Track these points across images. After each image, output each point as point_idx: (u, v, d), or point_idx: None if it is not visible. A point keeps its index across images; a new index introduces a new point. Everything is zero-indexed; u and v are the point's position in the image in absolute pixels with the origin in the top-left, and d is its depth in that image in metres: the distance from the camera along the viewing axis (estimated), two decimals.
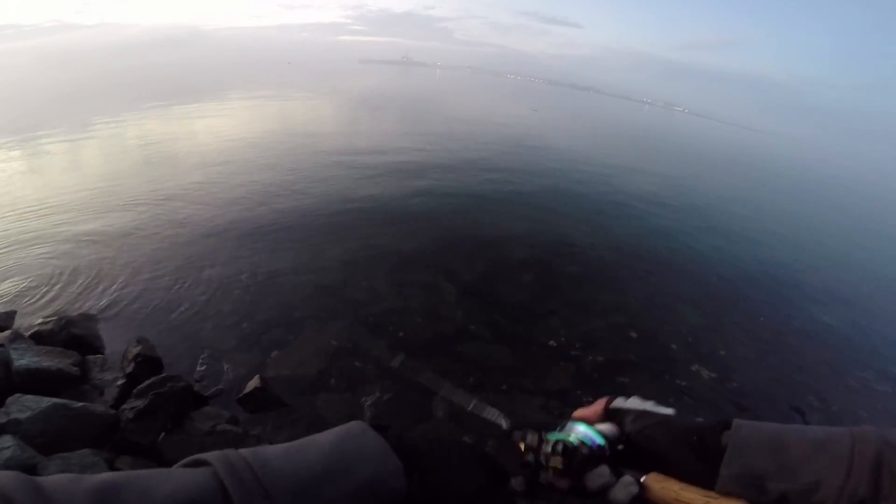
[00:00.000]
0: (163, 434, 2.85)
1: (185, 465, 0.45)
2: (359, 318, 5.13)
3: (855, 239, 14.09)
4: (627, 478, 0.61)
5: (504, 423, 0.70)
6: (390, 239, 7.14)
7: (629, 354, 5.18)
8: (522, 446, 0.67)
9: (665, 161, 22.65)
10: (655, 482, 0.60)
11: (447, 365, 4.54)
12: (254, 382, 3.77)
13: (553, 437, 0.65)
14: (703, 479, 0.57)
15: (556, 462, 0.62)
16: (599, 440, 0.64)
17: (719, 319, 6.31)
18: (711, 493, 0.56)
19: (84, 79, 36.27)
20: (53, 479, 0.37)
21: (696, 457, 0.59)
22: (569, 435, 0.64)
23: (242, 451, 0.46)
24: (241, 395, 3.69)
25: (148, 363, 3.72)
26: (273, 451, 0.48)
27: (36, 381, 3.04)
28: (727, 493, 0.55)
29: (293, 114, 21.54)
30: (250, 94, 28.24)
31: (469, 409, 0.74)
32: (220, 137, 13.95)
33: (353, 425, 0.55)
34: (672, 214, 11.34)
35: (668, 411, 0.67)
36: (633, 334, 5.56)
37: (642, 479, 0.61)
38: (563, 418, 0.70)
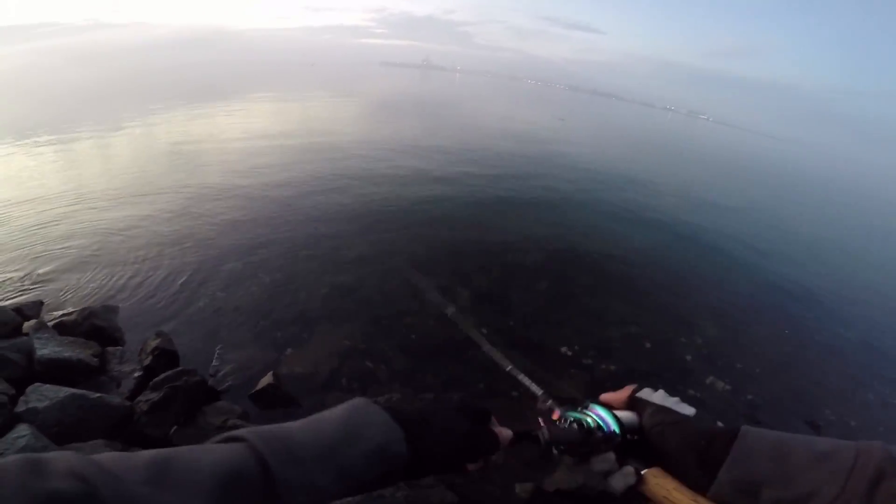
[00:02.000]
0: (175, 427, 2.90)
1: (221, 441, 0.49)
2: (372, 320, 5.15)
3: (882, 253, 13.70)
4: (628, 468, 0.64)
5: (537, 391, 0.76)
6: (406, 242, 7.17)
7: (643, 364, 5.10)
8: (554, 415, 0.71)
9: (688, 170, 22.32)
10: (653, 477, 0.62)
11: (459, 368, 4.53)
12: (267, 379, 3.81)
13: (572, 415, 0.68)
14: (700, 483, 0.58)
15: (568, 439, 0.65)
16: (615, 426, 0.65)
17: (737, 332, 6.18)
18: (701, 498, 0.57)
19: (117, 77, 37.31)
20: (107, 457, 0.40)
21: (698, 462, 0.59)
22: (587, 416, 0.67)
23: (267, 427, 0.52)
24: (253, 391, 3.73)
25: (165, 356, 3.80)
26: (295, 425, 0.54)
27: (56, 371, 3.13)
28: (717, 500, 0.56)
29: (315, 115, 21.80)
30: (275, 95, 28.73)
31: (507, 370, 0.81)
32: (244, 137, 14.20)
33: (357, 401, 0.62)
34: (693, 225, 11.14)
35: (689, 411, 0.68)
36: (648, 344, 5.47)
37: (643, 472, 0.63)
38: (589, 398, 0.72)
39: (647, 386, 0.74)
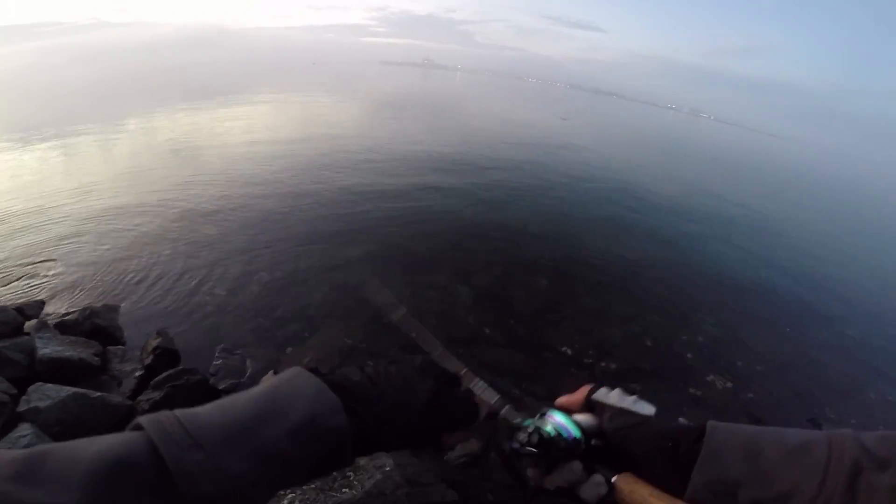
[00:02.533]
0: None
1: (128, 430, 0.45)
2: (374, 318, 5.14)
3: (884, 251, 13.69)
4: (598, 477, 0.60)
5: (492, 397, 0.68)
6: (407, 240, 7.18)
7: (643, 363, 5.10)
8: (513, 423, 0.65)
9: (689, 169, 22.29)
10: (626, 484, 0.59)
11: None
12: (268, 377, 3.81)
13: (530, 423, 0.63)
14: (675, 485, 0.56)
15: (530, 450, 0.61)
16: (576, 433, 0.61)
17: (738, 331, 6.16)
18: (678, 502, 0.55)
19: (120, 77, 37.34)
20: None
21: (669, 464, 0.57)
22: (546, 424, 0.62)
23: (176, 411, 0.45)
24: None
25: (166, 355, 3.81)
26: (205, 407, 0.47)
27: (58, 370, 3.14)
28: (696, 502, 0.53)
29: (317, 114, 21.77)
30: (277, 94, 28.69)
31: (461, 374, 0.70)
32: (246, 136, 14.21)
33: (286, 372, 0.54)
34: (694, 224, 11.13)
35: (649, 410, 0.65)
36: (649, 343, 5.47)
37: (613, 480, 0.60)
38: (544, 402, 0.68)
39: (605, 385, 0.69)
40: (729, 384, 4.96)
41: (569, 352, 5.06)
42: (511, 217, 9.01)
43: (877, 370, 5.98)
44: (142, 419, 0.44)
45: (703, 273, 8.00)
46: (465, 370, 0.71)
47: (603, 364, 4.92)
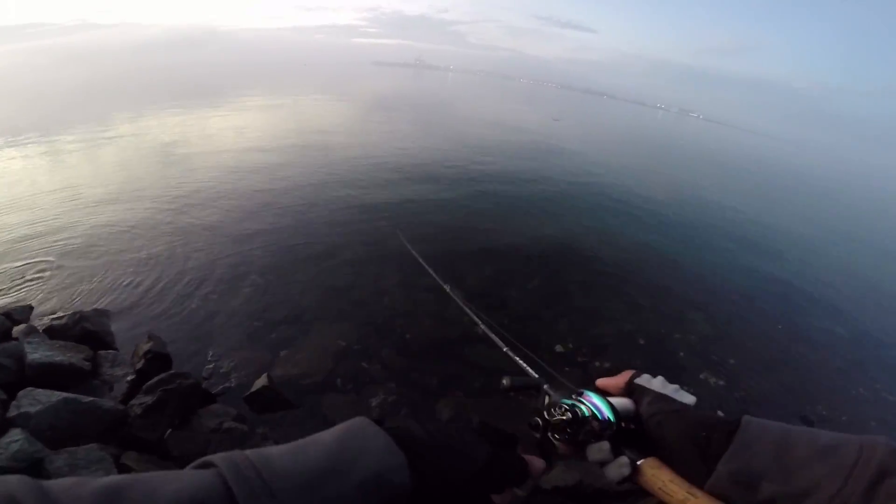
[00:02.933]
0: (169, 430, 2.89)
1: (194, 468, 0.45)
2: (367, 320, 5.16)
3: (872, 248, 13.88)
4: (623, 458, 0.61)
5: (533, 376, 0.73)
6: (399, 242, 7.17)
7: (637, 361, 5.14)
8: (546, 400, 0.68)
9: (679, 168, 22.47)
10: (649, 468, 0.60)
11: (454, 367, 4.54)
12: (261, 381, 3.80)
13: (566, 402, 0.65)
14: (699, 475, 0.56)
15: (561, 428, 0.63)
16: (609, 414, 0.63)
17: (730, 328, 6.25)
18: (696, 490, 0.55)
19: (106, 78, 36.97)
20: (59, 483, 0.37)
21: (698, 453, 0.58)
22: (582, 404, 0.64)
23: (248, 451, 0.46)
24: (248, 393, 3.72)
25: (158, 360, 3.78)
26: (277, 451, 0.48)
27: (48, 375, 3.11)
28: (714, 493, 0.54)
29: (308, 116, 21.67)
30: (268, 96, 28.50)
31: (504, 351, 0.80)
32: (237, 139, 14.13)
33: (356, 421, 0.55)
34: (684, 223, 11.25)
35: (690, 399, 0.66)
36: (641, 341, 5.52)
37: (639, 463, 0.60)
38: (585, 385, 0.69)
39: (646, 372, 0.70)
40: (721, 381, 5.02)
41: (562, 350, 5.10)
42: (502, 217, 9.06)
43: (866, 366, 6.08)
44: (215, 458, 0.44)
45: (695, 272, 8.09)
46: (506, 347, 0.79)
47: (597, 363, 4.95)
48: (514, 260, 7.14)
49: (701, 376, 5.04)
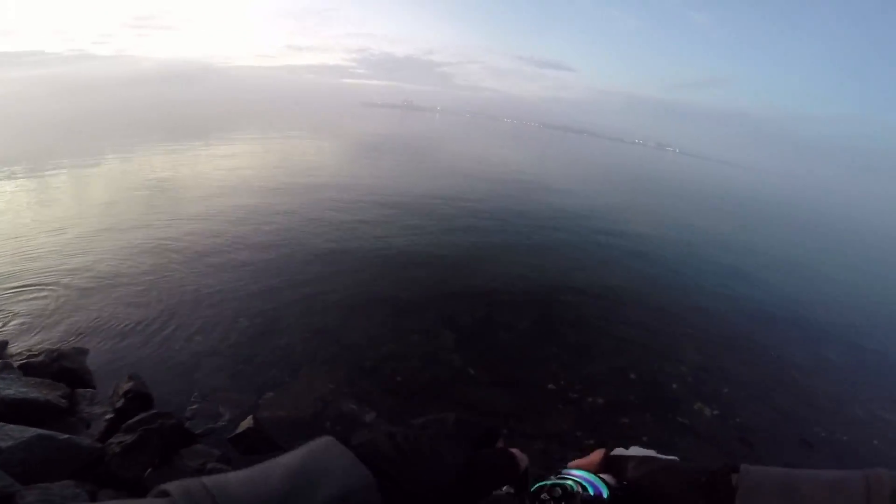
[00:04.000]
0: (150, 469, 2.76)
1: (151, 496, 0.43)
2: (356, 362, 5.05)
3: (856, 272, 14.24)
4: None
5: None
6: (388, 283, 7.12)
7: (629, 396, 5.10)
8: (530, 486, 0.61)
9: (660, 202, 22.99)
10: None
11: (445, 409, 4.43)
12: (247, 423, 3.68)
13: (549, 482, 0.61)
14: None
15: None
16: (600, 484, 0.60)
17: (720, 358, 6.26)
18: None
19: (100, 111, 37.25)
20: None
21: (706, 500, 0.55)
22: (566, 479, 0.60)
23: (204, 478, 0.42)
24: (233, 434, 3.59)
25: (138, 399, 3.65)
26: (235, 477, 0.44)
27: (22, 412, 2.97)
28: None
29: (299, 156, 21.73)
30: (260, 135, 28.79)
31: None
32: (226, 178, 14.10)
33: (319, 442, 0.50)
34: (668, 255, 11.42)
35: (672, 458, 0.64)
36: (633, 375, 5.49)
37: None
38: (558, 466, 0.66)
39: (619, 445, 0.69)
40: (717, 411, 4.98)
41: (554, 388, 5.04)
42: (490, 260, 9.04)
43: (859, 387, 6.12)
44: (170, 486, 0.41)
45: (682, 303, 8.16)
46: None
47: (590, 399, 4.89)
48: (505, 300, 7.12)
49: (695, 407, 5.00)
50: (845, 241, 22.30)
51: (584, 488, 0.59)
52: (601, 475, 0.62)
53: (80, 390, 3.65)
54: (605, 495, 0.59)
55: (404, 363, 5.14)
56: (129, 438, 2.78)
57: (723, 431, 4.70)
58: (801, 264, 13.79)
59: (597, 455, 0.67)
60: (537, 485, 0.61)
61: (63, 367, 3.90)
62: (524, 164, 30.70)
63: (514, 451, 0.59)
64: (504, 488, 0.59)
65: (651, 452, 0.65)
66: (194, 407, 3.98)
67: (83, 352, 4.46)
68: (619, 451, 0.67)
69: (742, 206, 30.34)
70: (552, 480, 0.61)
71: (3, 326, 4.82)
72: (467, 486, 0.54)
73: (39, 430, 2.60)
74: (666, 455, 0.64)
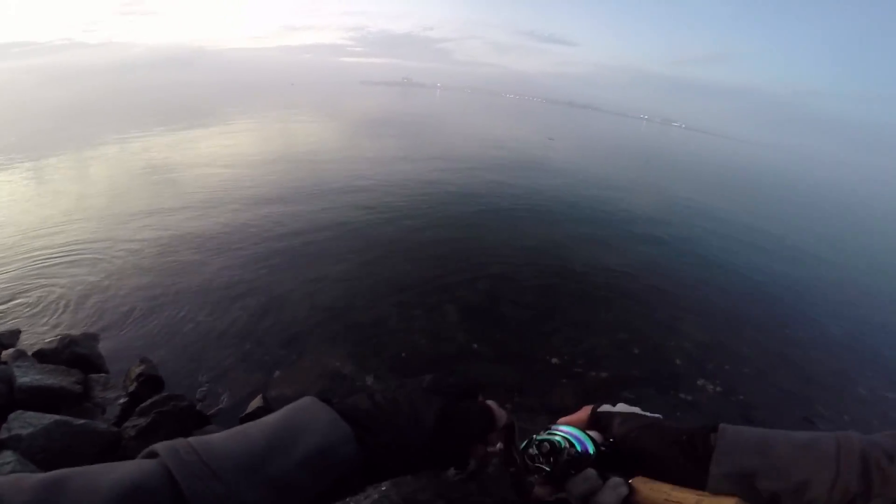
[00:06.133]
0: None
1: (142, 457, 0.45)
2: (361, 339, 5.12)
3: (861, 249, 14.18)
4: (616, 479, 0.58)
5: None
6: (392, 260, 7.14)
7: (633, 370, 5.15)
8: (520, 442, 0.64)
9: (667, 179, 22.81)
10: (643, 484, 0.58)
11: None
12: (256, 402, 3.76)
13: (538, 437, 0.63)
14: (694, 479, 0.56)
15: (542, 462, 0.60)
16: (587, 441, 0.61)
17: (724, 335, 6.29)
18: (703, 493, 0.55)
19: (92, 98, 36.88)
20: (1, 478, 0.37)
21: (685, 457, 0.58)
22: (554, 435, 0.62)
23: (190, 438, 0.46)
24: (244, 414, 3.67)
25: (150, 382, 3.73)
26: (219, 436, 0.47)
27: (38, 399, 3.05)
28: (719, 492, 0.54)
29: (297, 136, 21.68)
30: (256, 116, 28.55)
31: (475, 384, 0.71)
32: (226, 159, 14.07)
33: (301, 401, 0.54)
34: (674, 232, 11.36)
35: (656, 416, 0.66)
36: (636, 350, 5.53)
37: (630, 482, 0.59)
38: (547, 424, 0.67)
39: (606, 402, 0.70)
40: (719, 388, 5.03)
41: (558, 362, 5.09)
42: (495, 234, 9.07)
43: (863, 365, 6.13)
44: (157, 446, 0.44)
45: (686, 279, 8.17)
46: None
47: (593, 373, 4.95)
48: (508, 275, 7.14)
49: (699, 383, 5.05)
50: (854, 218, 22.10)
51: (572, 444, 0.60)
52: (589, 431, 0.64)
53: (94, 375, 3.72)
54: (591, 452, 0.60)
55: (409, 340, 5.20)
56: (143, 422, 2.86)
57: (725, 408, 4.74)
58: (805, 241, 13.68)
59: (584, 412, 0.69)
60: (532, 437, 0.63)
61: (76, 353, 3.97)
62: (527, 139, 30.36)
63: (491, 403, 0.61)
64: (498, 445, 0.61)
65: (636, 409, 0.67)
66: (204, 388, 4.07)
67: (94, 337, 4.53)
68: (606, 407, 0.69)
69: (748, 182, 30.08)
70: (541, 436, 0.63)
71: (12, 316, 4.89)
72: (442, 437, 0.56)
73: (57, 417, 2.68)
74: (651, 413, 0.67)
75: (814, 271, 10.28)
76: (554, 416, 0.70)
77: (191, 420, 3.23)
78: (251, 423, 0.50)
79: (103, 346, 4.45)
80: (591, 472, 0.59)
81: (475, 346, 5.22)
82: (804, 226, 16.35)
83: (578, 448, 0.60)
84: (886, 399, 5.42)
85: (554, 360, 5.11)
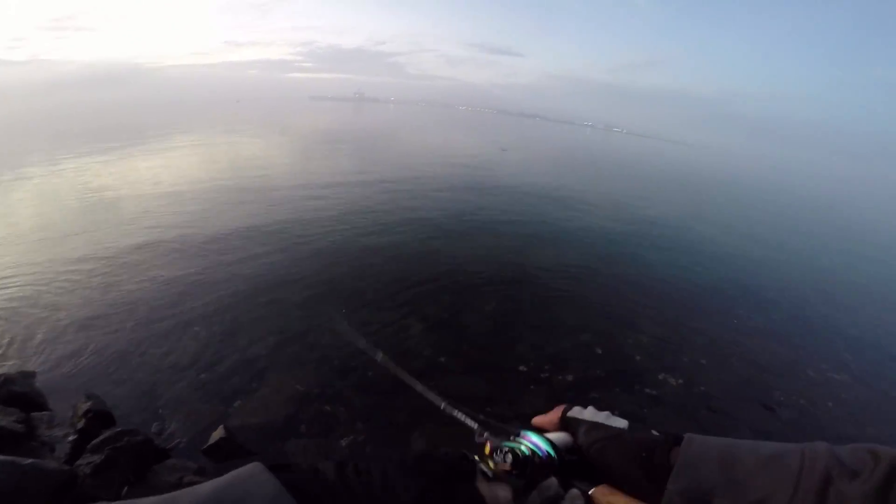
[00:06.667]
0: (126, 487, 2.66)
1: None
2: (324, 362, 4.97)
3: (794, 237, 15.33)
4: (574, 491, 0.61)
5: (472, 425, 0.69)
6: (350, 279, 6.98)
7: (597, 370, 5.30)
8: (487, 448, 0.65)
9: (612, 181, 23.78)
10: (602, 495, 0.60)
11: (421, 398, 4.45)
12: (218, 433, 3.61)
13: (506, 444, 0.64)
14: (650, 495, 0.57)
15: (505, 467, 0.61)
16: (549, 450, 0.63)
17: (678, 328, 6.60)
18: None
19: (17, 119, 34.39)
20: None
21: (643, 473, 0.58)
22: (520, 444, 0.63)
23: (118, 502, 0.42)
24: (206, 445, 3.50)
25: (99, 418, 3.49)
26: (148, 501, 0.42)
27: None
28: None
29: (243, 154, 20.64)
30: (197, 136, 27.19)
31: (441, 408, 0.73)
32: (165, 183, 13.27)
33: (244, 468, 0.48)
34: (622, 233, 11.85)
35: (622, 424, 0.67)
36: (599, 350, 5.71)
37: (590, 492, 0.61)
38: (520, 425, 0.69)
39: (577, 404, 0.71)
40: (681, 380, 5.26)
41: (525, 369, 5.16)
42: (452, 245, 9.09)
43: (809, 350, 6.59)
44: None
45: (638, 278, 8.52)
46: (444, 403, 0.72)
47: (560, 377, 5.06)
48: (467, 286, 7.20)
49: (660, 377, 5.26)
50: (787, 210, 23.83)
51: (535, 453, 0.62)
52: (556, 434, 0.67)
53: (36, 414, 3.45)
54: (556, 461, 0.62)
55: (373, 358, 5.09)
56: (97, 458, 2.66)
57: (689, 400, 4.96)
58: (746, 235, 14.56)
59: (556, 413, 0.70)
60: (500, 444, 0.64)
61: (11, 392, 3.67)
62: (481, 150, 30.80)
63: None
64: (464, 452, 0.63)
65: (605, 415, 0.69)
66: (159, 422, 3.86)
67: (30, 375, 4.22)
68: (576, 410, 0.70)
69: (686, 181, 31.80)
70: (510, 444, 0.64)
71: None
72: None
73: (1, 457, 2.45)
74: (618, 419, 0.68)
75: (758, 264, 11.00)
76: (526, 423, 0.71)
77: (149, 455, 3.04)
78: (181, 492, 0.45)
79: (43, 383, 4.14)
80: (553, 481, 0.61)
81: (442, 359, 5.21)
82: (744, 221, 17.34)
83: (540, 455, 0.62)
84: (834, 381, 5.84)
85: (521, 368, 5.18)
